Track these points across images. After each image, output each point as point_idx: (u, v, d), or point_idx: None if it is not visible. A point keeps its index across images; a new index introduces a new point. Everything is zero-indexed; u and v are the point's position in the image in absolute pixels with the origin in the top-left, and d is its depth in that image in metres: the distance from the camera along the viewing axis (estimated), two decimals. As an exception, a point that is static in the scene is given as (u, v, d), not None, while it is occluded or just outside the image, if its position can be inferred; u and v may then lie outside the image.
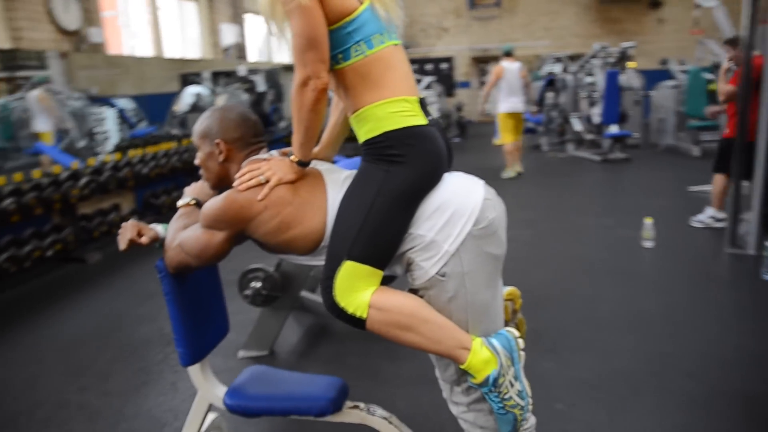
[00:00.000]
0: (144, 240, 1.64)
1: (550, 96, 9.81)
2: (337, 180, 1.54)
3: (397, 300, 1.41)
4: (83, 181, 4.83)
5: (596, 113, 8.70)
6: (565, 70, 10.19)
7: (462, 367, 1.42)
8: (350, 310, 1.40)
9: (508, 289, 1.84)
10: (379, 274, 1.43)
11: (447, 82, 13.02)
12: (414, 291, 1.47)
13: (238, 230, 1.50)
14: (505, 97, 7.21)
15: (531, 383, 2.52)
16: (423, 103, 1.50)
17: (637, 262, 4.11)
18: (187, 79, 8.57)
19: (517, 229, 5.02)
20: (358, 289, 1.40)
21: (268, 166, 1.49)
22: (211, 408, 1.91)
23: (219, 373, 2.78)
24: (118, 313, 3.64)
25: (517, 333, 1.46)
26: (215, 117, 1.60)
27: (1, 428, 2.45)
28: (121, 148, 8.46)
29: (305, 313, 3.33)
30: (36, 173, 4.75)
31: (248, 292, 2.85)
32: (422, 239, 1.40)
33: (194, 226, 1.57)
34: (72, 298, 3.99)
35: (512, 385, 1.42)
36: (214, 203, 1.49)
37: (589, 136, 9.05)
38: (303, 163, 1.49)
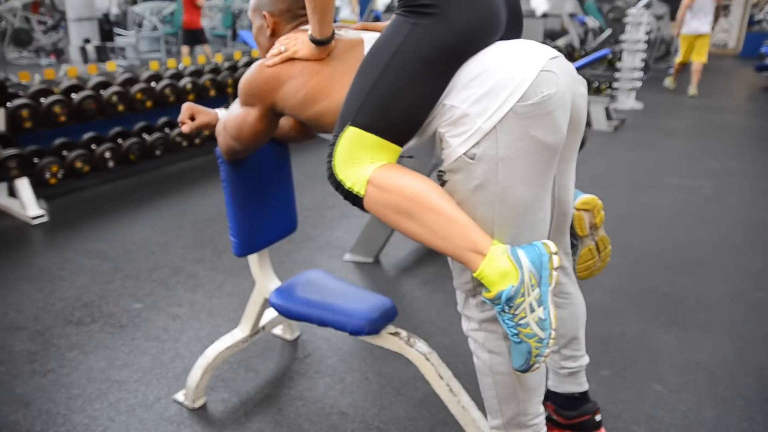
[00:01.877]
0: (190, 126, 1.62)
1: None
2: None
3: (402, 180, 1.17)
4: (257, 70, 5.06)
5: None
6: None
7: (474, 274, 1.16)
8: (347, 184, 1.19)
9: (585, 197, 1.49)
10: (393, 149, 1.20)
11: (676, 3, 11.32)
12: (441, 178, 1.21)
13: (268, 104, 1.41)
14: (691, 19, 7.47)
15: (639, 354, 2.21)
16: None
17: (843, 242, 3.27)
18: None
19: (697, 179, 4.30)
20: (360, 161, 1.18)
21: (294, 39, 1.37)
22: (267, 302, 1.91)
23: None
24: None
25: (554, 248, 1.14)
26: None
27: (125, 279, 2.75)
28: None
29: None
30: (218, 57, 5.09)
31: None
32: (453, 111, 1.15)
33: (236, 107, 1.50)
34: (226, 178, 4.30)
35: (532, 310, 1.13)
36: (244, 76, 1.42)
37: None
38: (316, 41, 1.32)
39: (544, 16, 6.96)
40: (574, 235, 1.47)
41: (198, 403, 1.91)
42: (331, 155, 1.22)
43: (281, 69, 1.37)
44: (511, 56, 1.14)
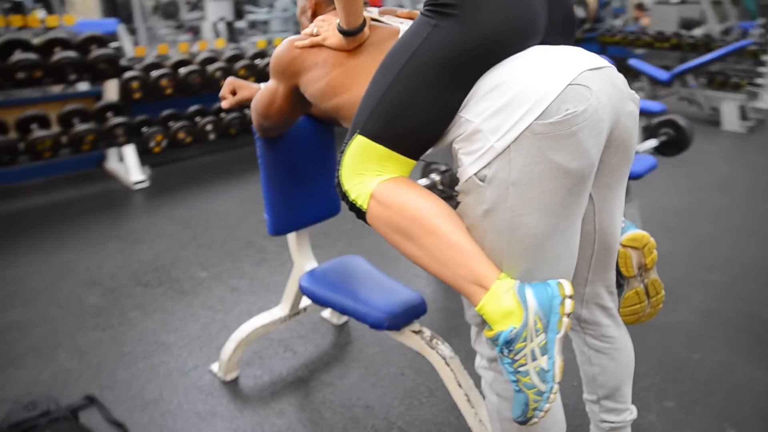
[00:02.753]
0: (230, 101, 1.60)
1: None
2: None
3: (406, 197, 1.05)
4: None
5: None
6: None
7: (476, 309, 1.02)
8: (352, 195, 1.09)
9: (634, 232, 1.28)
10: (404, 161, 1.08)
11: None
12: (455, 198, 1.08)
13: (292, 84, 1.36)
14: None
15: (716, 387, 1.92)
16: None
17: None
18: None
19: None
20: (366, 172, 1.08)
21: (329, 23, 1.29)
22: (304, 283, 1.88)
23: (381, 260, 2.77)
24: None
25: (569, 290, 0.98)
26: None
27: (198, 248, 2.86)
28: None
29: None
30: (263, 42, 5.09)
31: (424, 181, 2.68)
32: (467, 126, 1.01)
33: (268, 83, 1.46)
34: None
35: (534, 359, 0.97)
36: (275, 51, 1.37)
37: None
38: (344, 32, 1.22)
39: (682, 2, 6.32)
40: (620, 273, 1.28)
41: (230, 376, 1.93)
42: (339, 163, 1.12)
43: (308, 53, 1.30)
44: (540, 65, 0.98)
